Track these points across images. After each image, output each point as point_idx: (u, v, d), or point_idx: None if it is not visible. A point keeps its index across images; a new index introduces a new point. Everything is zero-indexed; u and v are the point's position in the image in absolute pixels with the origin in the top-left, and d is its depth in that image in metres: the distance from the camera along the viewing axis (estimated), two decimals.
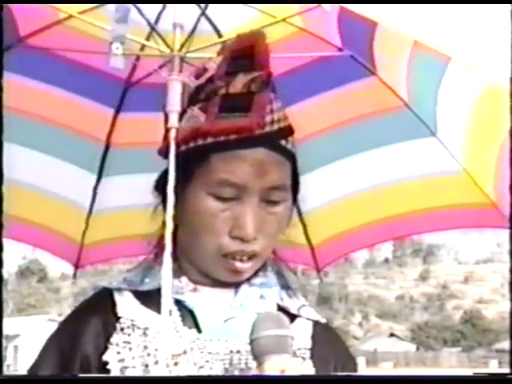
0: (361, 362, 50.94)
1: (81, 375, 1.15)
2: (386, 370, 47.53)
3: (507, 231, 1.62)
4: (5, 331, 1.37)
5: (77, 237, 1.95)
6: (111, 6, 1.53)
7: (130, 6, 1.27)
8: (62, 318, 1.39)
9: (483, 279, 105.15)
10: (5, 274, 1.37)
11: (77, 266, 2.00)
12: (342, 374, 1.25)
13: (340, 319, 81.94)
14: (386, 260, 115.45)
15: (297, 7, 1.48)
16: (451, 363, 55.06)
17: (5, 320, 1.34)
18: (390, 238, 1.85)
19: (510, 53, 1.29)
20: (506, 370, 1.46)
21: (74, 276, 2.03)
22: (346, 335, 69.90)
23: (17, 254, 1.97)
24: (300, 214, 1.83)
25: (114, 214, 1.91)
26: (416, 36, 1.27)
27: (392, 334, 68.32)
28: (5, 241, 1.84)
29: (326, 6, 1.31)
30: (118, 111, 1.80)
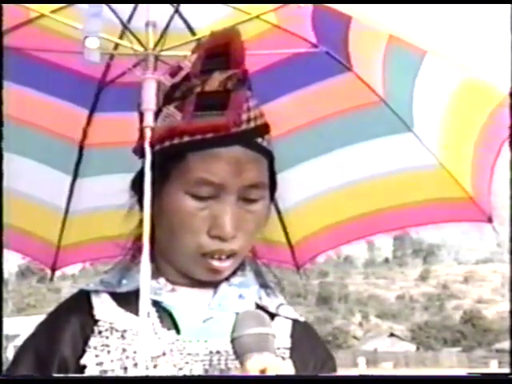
0: (361, 362, 50.91)
1: (82, 376, 1.15)
2: (385, 369, 47.45)
3: (486, 225, 1.64)
4: (5, 331, 1.37)
5: (53, 239, 1.92)
6: (83, 5, 1.52)
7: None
8: None
9: (483, 279, 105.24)
10: (5, 274, 1.36)
11: (53, 269, 1.98)
12: (341, 374, 1.25)
13: (340, 319, 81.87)
14: (386, 260, 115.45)
15: (270, 5, 1.46)
16: (451, 363, 55.04)
17: (5, 320, 1.33)
18: (368, 234, 1.84)
19: (510, 53, 1.29)
20: (506, 370, 1.47)
21: (51, 279, 2.00)
22: (346, 335, 69.87)
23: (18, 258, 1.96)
24: (278, 212, 1.82)
25: (91, 215, 1.88)
26: (391, 30, 1.26)
27: (392, 334, 68.28)
28: None
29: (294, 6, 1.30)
30: (92, 111, 1.77)
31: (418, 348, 65.97)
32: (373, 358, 54.84)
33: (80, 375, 1.14)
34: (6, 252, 1.88)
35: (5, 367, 1.26)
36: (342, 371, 1.38)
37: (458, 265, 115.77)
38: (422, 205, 1.72)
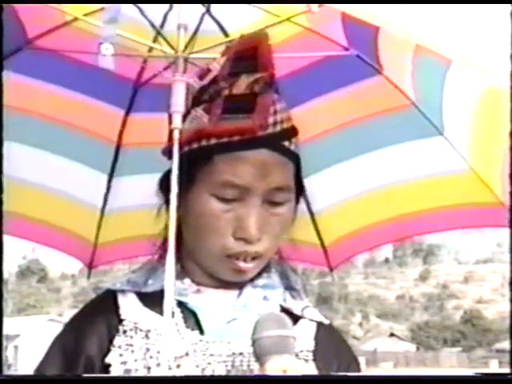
0: (361, 362, 50.89)
1: (83, 375, 1.16)
2: (386, 369, 47.46)
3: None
4: (5, 331, 1.37)
5: (90, 237, 1.96)
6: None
7: (121, 6, 1.27)
8: (62, 318, 1.39)
9: (483, 279, 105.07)
10: (5, 274, 1.37)
11: (90, 267, 2.01)
12: (341, 374, 1.24)
13: (340, 319, 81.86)
14: (387, 260, 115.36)
15: (302, 7, 1.48)
16: (451, 363, 54.99)
17: (5, 320, 1.34)
18: (399, 238, 1.84)
19: (510, 53, 1.29)
20: (506, 370, 1.47)
21: (89, 276, 2.03)
22: (346, 335, 69.85)
23: (27, 254, 1.99)
24: (311, 213, 1.83)
25: (127, 214, 1.91)
26: (416, 40, 1.26)
27: (392, 334, 68.26)
28: (17, 241, 1.86)
29: (314, 7, 1.30)
30: (128, 112, 1.80)
31: (417, 348, 65.90)
32: (373, 357, 54.78)
33: (85, 375, 1.16)
34: (42, 249, 1.93)
35: (5, 367, 1.27)
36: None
37: (458, 265, 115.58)
38: (452, 210, 1.71)
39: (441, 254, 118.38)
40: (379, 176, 1.75)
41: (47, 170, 1.81)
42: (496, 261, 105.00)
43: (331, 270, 1.94)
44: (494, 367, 48.01)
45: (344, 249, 1.90)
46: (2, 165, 1.31)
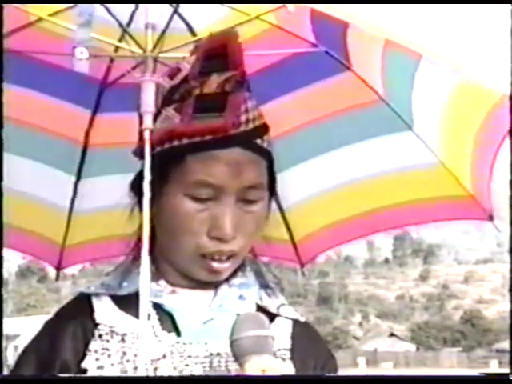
0: (361, 362, 50.90)
1: (81, 376, 1.15)
2: (385, 369, 47.46)
3: (487, 223, 1.64)
4: (5, 331, 1.37)
5: (58, 239, 1.93)
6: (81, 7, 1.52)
7: (94, 9, 1.25)
8: None
9: (483, 279, 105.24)
10: (5, 274, 1.37)
11: (58, 268, 1.99)
12: (341, 374, 1.25)
13: (340, 319, 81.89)
14: (386, 260, 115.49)
15: (270, 5, 1.46)
16: (451, 363, 55.04)
17: (5, 320, 1.33)
18: (370, 233, 1.84)
19: (510, 52, 1.30)
20: (506, 370, 1.47)
21: (57, 278, 2.01)
22: (346, 335, 69.89)
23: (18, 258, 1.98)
24: (281, 210, 1.83)
25: (95, 215, 1.89)
26: (386, 33, 1.26)
27: (392, 334, 68.30)
28: None
29: (290, 7, 1.29)
30: (94, 112, 1.78)
31: (417, 348, 65.99)
32: (373, 357, 54.86)
33: (80, 375, 1.15)
34: (9, 252, 1.90)
35: (5, 367, 1.27)
36: (342, 371, 1.38)
37: (457, 265, 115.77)
38: (422, 203, 1.72)
39: (441, 254, 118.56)
40: (349, 171, 1.75)
41: (12, 172, 1.79)
42: (496, 261, 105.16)
43: (302, 266, 1.94)
44: (494, 367, 48.02)
45: (314, 244, 1.90)
46: None
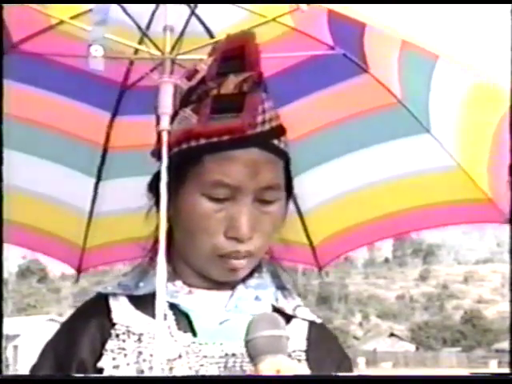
0: (361, 362, 50.89)
1: (79, 376, 1.15)
2: (385, 370, 47.46)
3: (505, 226, 1.63)
4: (5, 331, 1.37)
5: (78, 241, 1.95)
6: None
7: (109, 8, 1.27)
8: (62, 318, 1.39)
9: (483, 279, 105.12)
10: (5, 274, 1.37)
11: (79, 270, 2.01)
12: (341, 374, 1.24)
13: (340, 319, 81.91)
14: (386, 260, 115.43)
15: (287, 7, 1.47)
16: (451, 363, 55.01)
17: (5, 320, 1.34)
18: (388, 236, 1.85)
19: (510, 52, 1.29)
20: (506, 370, 1.47)
21: (77, 280, 2.03)
22: (346, 335, 69.89)
23: (28, 254, 1.99)
24: (300, 213, 1.84)
25: (115, 217, 1.90)
26: (403, 36, 1.26)
27: (392, 334, 68.28)
28: (5, 246, 1.85)
29: (303, 6, 1.30)
30: (114, 115, 1.80)
31: (417, 348, 65.95)
32: (373, 357, 54.83)
33: (83, 375, 1.15)
34: (31, 254, 1.92)
35: (4, 367, 1.27)
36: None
37: (457, 265, 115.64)
38: (440, 207, 1.71)
39: (441, 253, 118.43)
40: (367, 174, 1.75)
41: (34, 174, 1.80)
42: (496, 261, 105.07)
43: (320, 269, 1.94)
44: (494, 367, 48.02)
45: (332, 248, 1.90)
46: None
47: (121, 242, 1.93)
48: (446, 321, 79.26)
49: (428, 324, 75.35)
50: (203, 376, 1.16)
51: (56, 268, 2.03)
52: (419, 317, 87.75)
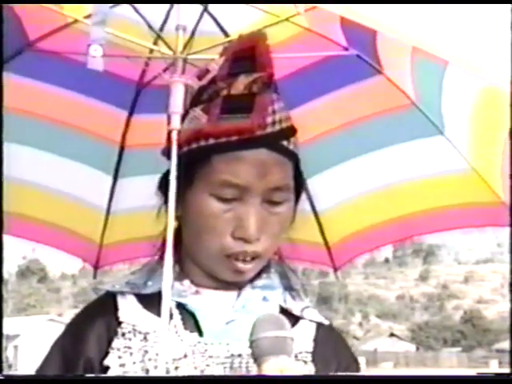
0: (361, 362, 50.77)
1: (80, 375, 1.16)
2: (385, 369, 47.39)
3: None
4: (5, 331, 1.38)
5: (95, 238, 1.97)
6: (118, 9, 1.54)
7: (109, 8, 1.28)
8: (62, 318, 1.40)
9: (483, 279, 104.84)
10: (5, 274, 1.37)
11: (96, 267, 2.02)
12: (341, 374, 1.24)
13: (340, 319, 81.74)
14: (386, 260, 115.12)
15: (301, 7, 1.47)
16: (451, 363, 54.90)
17: (5, 320, 1.35)
18: (402, 238, 1.84)
19: (510, 53, 1.30)
20: (506, 370, 1.47)
21: (95, 277, 2.04)
22: (346, 335, 69.75)
23: (27, 254, 2.00)
24: (315, 213, 1.84)
25: (131, 215, 1.91)
26: (412, 42, 1.26)
27: (392, 334, 68.14)
28: (24, 242, 1.87)
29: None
30: (131, 113, 1.81)
31: (417, 348, 65.78)
32: (373, 357, 54.68)
33: (81, 375, 1.16)
34: (48, 249, 1.94)
35: (5, 367, 1.28)
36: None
37: (458, 265, 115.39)
38: (454, 209, 1.71)
39: (441, 253, 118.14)
40: (381, 176, 1.75)
41: (52, 171, 1.82)
42: (496, 261, 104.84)
43: (335, 270, 1.94)
44: (494, 367, 47.94)
45: (347, 249, 1.90)
46: (2, 166, 1.31)
47: (137, 239, 1.93)
48: (446, 321, 79.05)
49: (428, 324, 75.17)
50: (209, 376, 1.16)
51: (73, 265, 2.03)
52: (419, 317, 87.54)
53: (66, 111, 1.75)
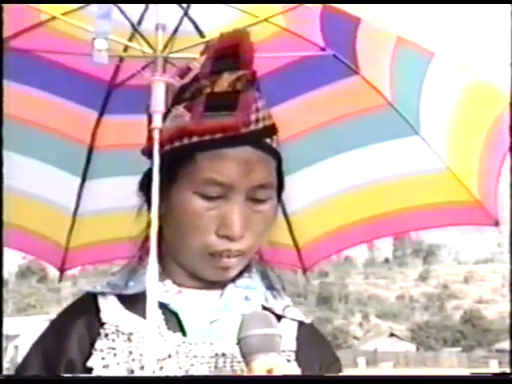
0: (361, 362, 50.90)
1: (84, 376, 1.14)
2: (385, 369, 47.47)
3: (492, 228, 1.63)
4: (5, 331, 1.36)
5: (61, 240, 1.93)
6: (94, 7, 1.51)
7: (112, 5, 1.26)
8: None
9: (483, 279, 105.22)
10: (5, 274, 1.36)
11: (62, 270, 1.99)
12: (341, 374, 1.25)
13: (340, 319, 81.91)
14: (387, 260, 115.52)
15: (279, 7, 1.47)
16: (451, 363, 55.01)
17: (5, 320, 1.33)
18: (374, 238, 1.84)
19: (510, 52, 1.29)
20: (506, 370, 1.46)
21: (60, 280, 2.01)
22: (346, 335, 69.91)
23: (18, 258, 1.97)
24: (285, 214, 1.83)
25: (99, 216, 1.89)
26: (399, 32, 1.26)
27: (392, 334, 68.26)
28: None
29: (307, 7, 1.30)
30: (101, 113, 1.78)
31: (417, 348, 65.95)
32: (373, 357, 54.79)
33: (82, 375, 1.15)
34: (12, 252, 1.90)
35: (5, 367, 1.26)
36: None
37: (458, 265, 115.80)
38: (428, 208, 1.71)
39: (441, 253, 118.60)
40: (355, 176, 1.75)
41: (18, 172, 1.77)
42: (496, 261, 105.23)
43: (305, 271, 1.93)
44: (494, 367, 48.02)
45: (318, 250, 1.89)
46: None
47: (106, 242, 1.91)
48: (446, 321, 79.28)
49: (428, 324, 75.35)
50: (193, 376, 1.15)
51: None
52: (419, 317, 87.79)
53: (34, 111, 1.71)
